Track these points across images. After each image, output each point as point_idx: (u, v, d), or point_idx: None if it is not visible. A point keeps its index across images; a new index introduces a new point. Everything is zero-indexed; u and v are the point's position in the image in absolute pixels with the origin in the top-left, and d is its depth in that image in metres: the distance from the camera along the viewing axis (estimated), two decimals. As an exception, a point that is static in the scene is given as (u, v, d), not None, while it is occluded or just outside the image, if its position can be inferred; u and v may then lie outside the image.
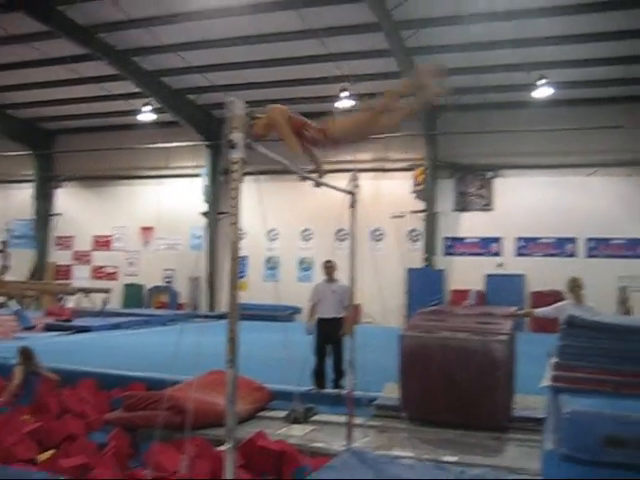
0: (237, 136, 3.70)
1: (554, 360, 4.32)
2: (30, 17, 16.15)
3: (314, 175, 5.59)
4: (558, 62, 17.84)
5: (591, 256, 20.19)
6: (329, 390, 8.80)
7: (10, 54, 19.37)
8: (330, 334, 8.69)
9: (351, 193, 6.23)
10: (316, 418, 7.75)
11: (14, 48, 18.82)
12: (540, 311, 8.16)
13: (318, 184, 5.61)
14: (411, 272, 21.01)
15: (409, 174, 21.60)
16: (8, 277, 19.75)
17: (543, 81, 18.39)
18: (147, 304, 24.52)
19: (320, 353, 8.92)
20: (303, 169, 5.33)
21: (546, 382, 4.39)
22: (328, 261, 9.29)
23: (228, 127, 3.72)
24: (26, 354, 9.13)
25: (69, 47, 18.21)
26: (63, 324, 17.34)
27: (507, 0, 14.71)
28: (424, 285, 20.55)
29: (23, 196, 26.89)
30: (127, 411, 7.40)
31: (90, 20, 17.18)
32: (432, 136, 20.85)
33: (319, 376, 8.95)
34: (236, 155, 3.71)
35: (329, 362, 8.98)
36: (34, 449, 6.61)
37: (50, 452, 6.61)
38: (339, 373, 8.83)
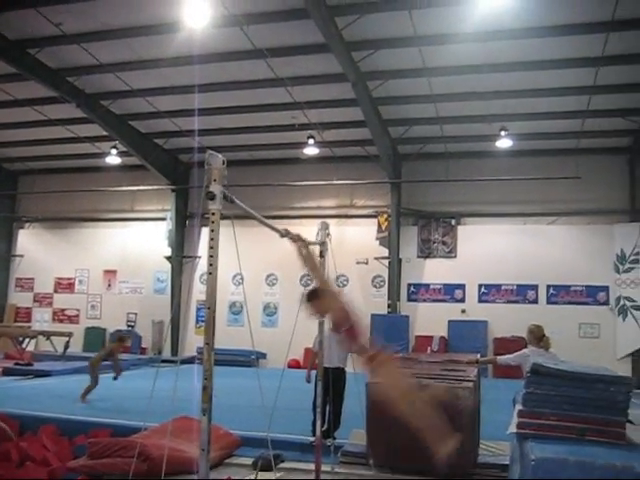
0: (216, 188, 3.80)
1: (519, 407, 4.44)
2: (0, 60, 16.18)
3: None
4: (518, 114, 18.42)
5: (552, 302, 20.57)
6: (326, 441, 8.09)
7: (-23, 95, 19.33)
8: (333, 384, 8.16)
9: (322, 243, 6.34)
10: (283, 465, 7.72)
11: (-19, 90, 18.80)
12: (503, 359, 8.28)
13: (283, 235, 5.71)
14: (375, 318, 21.10)
15: (373, 221, 21.88)
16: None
17: (504, 132, 18.95)
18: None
19: (322, 402, 8.69)
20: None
21: (512, 428, 4.50)
22: None
23: (207, 179, 3.82)
24: None
25: (38, 89, 18.25)
26: (23, 368, 17.00)
27: (471, 55, 15.18)
28: (388, 331, 20.58)
29: (-16, 237, 26.51)
30: (92, 458, 7.27)
31: (60, 64, 17.26)
32: (396, 184, 21.20)
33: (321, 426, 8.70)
34: (214, 206, 3.81)
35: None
36: (-5, 498, 6.49)
37: (11, 501, 6.48)
38: (336, 424, 8.68)
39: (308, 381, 8.96)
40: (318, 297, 5.22)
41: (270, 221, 6.12)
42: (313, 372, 8.56)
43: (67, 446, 8.62)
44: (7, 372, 16.60)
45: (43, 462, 7.66)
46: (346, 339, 5.10)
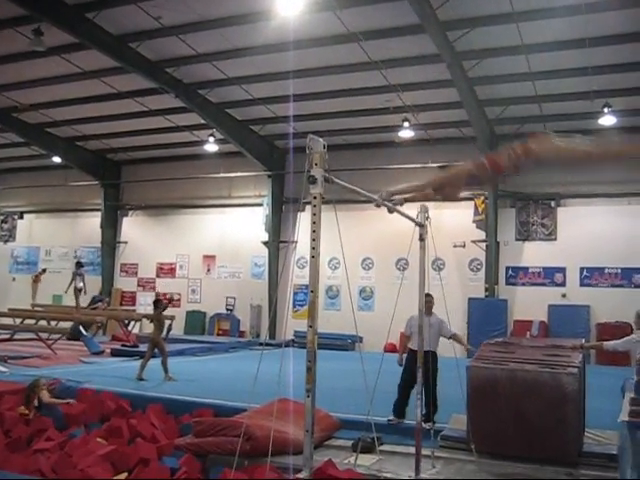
0: (317, 171, 3.82)
1: (631, 395, 4.28)
2: (103, 53, 16.82)
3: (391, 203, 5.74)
4: (623, 89, 17.61)
5: (660, 287, 19.65)
6: (425, 425, 8.15)
7: (81, 89, 20.18)
8: (425, 367, 8.50)
9: (421, 225, 6.28)
10: (382, 448, 7.74)
11: (85, 83, 19.62)
12: (610, 344, 8.00)
13: (391, 210, 5.73)
14: (472, 302, 20.85)
15: (470, 203, 21.50)
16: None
17: (607, 109, 18.14)
18: (209, 331, 24.88)
19: (409, 384, 8.82)
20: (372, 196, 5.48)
21: (623, 417, 4.35)
22: (428, 294, 9.16)
23: (309, 163, 3.84)
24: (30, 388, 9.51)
25: (138, 81, 18.91)
26: (129, 350, 17.70)
27: (570, 29, 14.63)
28: (486, 315, 20.35)
29: (91, 224, 27.76)
30: (197, 437, 7.54)
31: (159, 56, 17.79)
32: (493, 165, 20.71)
33: (401, 407, 8.91)
34: (316, 190, 3.83)
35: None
36: (109, 471, 6.80)
37: (124, 475, 6.78)
38: (434, 407, 8.73)
39: (400, 364, 9.00)
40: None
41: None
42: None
43: (173, 424, 8.97)
44: (115, 353, 17.36)
45: (152, 439, 7.99)
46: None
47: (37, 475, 6.28)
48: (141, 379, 12.63)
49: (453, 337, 9.62)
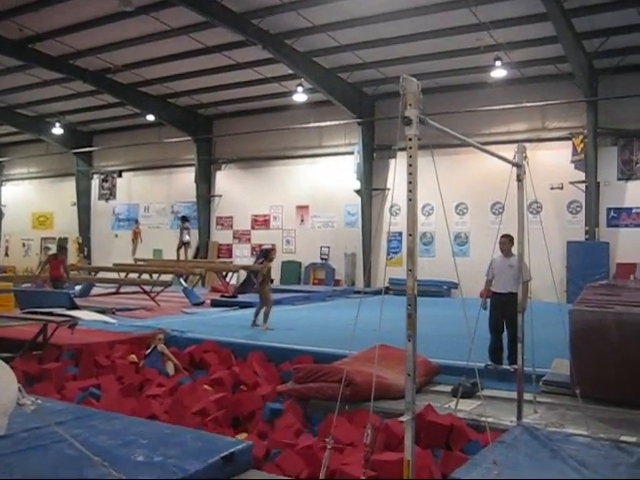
0: (412, 112, 3.72)
1: None
2: (189, 9, 16.93)
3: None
4: None
5: None
6: (506, 366, 8.67)
7: (170, 47, 20.48)
8: (507, 309, 8.46)
9: (519, 165, 6.06)
10: (482, 393, 7.67)
11: (174, 41, 19.87)
12: None
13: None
14: (572, 245, 20.20)
15: (568, 143, 20.65)
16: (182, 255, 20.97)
17: None
18: (305, 280, 25.24)
19: (496, 329, 8.84)
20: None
21: None
22: (505, 235, 9.05)
23: (402, 104, 3.75)
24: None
25: (225, 35, 18.97)
26: (228, 300, 18.20)
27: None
28: (586, 259, 19.70)
29: (186, 180, 28.45)
30: (298, 383, 7.70)
31: (244, 7, 17.71)
32: (593, 102, 19.76)
33: (496, 352, 8.87)
34: (411, 132, 3.74)
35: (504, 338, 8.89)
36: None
37: (244, 435, 6.94)
38: (515, 349, 8.64)
39: (484, 308, 8.86)
40: None
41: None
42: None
43: (274, 372, 9.18)
44: (214, 304, 17.88)
45: (254, 386, 8.23)
46: None
47: (150, 418, 6.58)
48: (255, 325, 13.31)
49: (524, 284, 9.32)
